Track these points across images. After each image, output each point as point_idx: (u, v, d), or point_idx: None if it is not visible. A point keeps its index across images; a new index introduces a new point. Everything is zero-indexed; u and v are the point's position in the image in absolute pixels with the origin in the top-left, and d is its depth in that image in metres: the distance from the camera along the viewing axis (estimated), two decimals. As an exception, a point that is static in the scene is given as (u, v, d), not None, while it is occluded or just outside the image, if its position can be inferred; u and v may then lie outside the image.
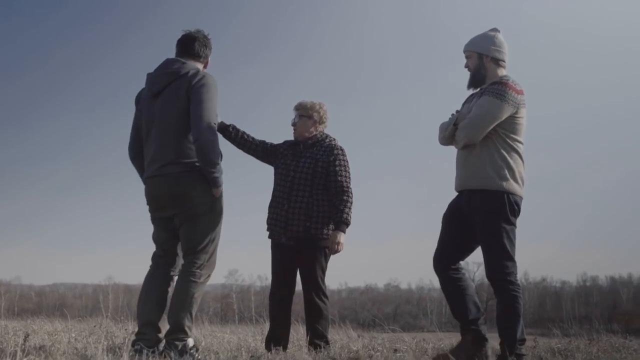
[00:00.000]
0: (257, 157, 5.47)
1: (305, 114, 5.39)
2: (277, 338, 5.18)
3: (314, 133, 5.40)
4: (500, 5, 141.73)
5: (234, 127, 5.37)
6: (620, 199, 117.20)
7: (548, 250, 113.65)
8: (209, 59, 4.95)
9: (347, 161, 5.31)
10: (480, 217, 4.56)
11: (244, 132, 5.40)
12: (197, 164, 4.51)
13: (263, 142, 5.45)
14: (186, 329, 4.49)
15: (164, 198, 4.59)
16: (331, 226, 5.21)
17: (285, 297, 5.31)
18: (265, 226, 5.35)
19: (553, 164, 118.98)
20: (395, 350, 5.35)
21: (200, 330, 7.72)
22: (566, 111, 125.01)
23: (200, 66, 4.81)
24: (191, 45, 4.81)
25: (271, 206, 5.31)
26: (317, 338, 5.18)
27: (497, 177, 4.47)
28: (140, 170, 4.85)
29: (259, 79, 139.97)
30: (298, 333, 5.84)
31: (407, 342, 6.34)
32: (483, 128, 4.49)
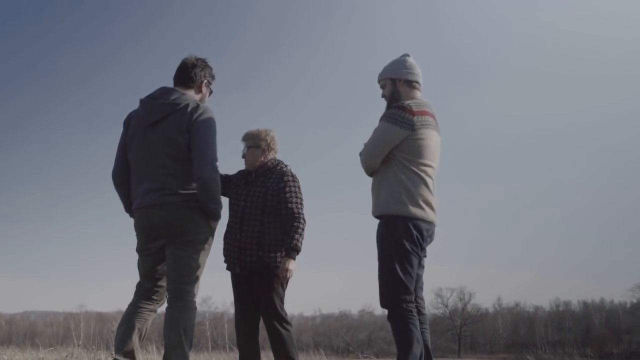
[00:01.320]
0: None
1: (253, 144, 5.35)
2: None
3: (264, 161, 5.36)
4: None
5: None
6: (592, 225, 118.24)
7: (521, 276, 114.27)
8: (210, 85, 4.84)
9: (298, 187, 5.26)
10: (377, 242, 4.50)
11: None
12: (195, 194, 4.50)
13: (226, 177, 5.45)
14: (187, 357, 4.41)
15: (161, 226, 4.50)
16: (278, 253, 5.15)
17: (250, 327, 5.27)
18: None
19: (524, 191, 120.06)
20: (371, 379, 5.34)
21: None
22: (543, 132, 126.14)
23: (197, 96, 4.73)
24: (187, 73, 4.72)
25: (225, 237, 5.28)
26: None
27: (393, 201, 4.36)
28: (125, 198, 4.77)
29: (254, 102, 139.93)
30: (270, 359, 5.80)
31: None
32: (377, 154, 4.43)
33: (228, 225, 5.27)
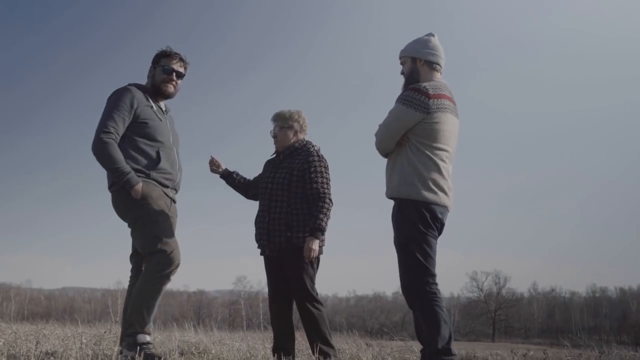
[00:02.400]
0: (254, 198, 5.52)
1: (285, 124, 5.37)
2: (283, 349, 5.19)
3: (293, 142, 5.39)
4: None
5: (237, 174, 5.56)
6: (632, 212, 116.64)
7: (557, 260, 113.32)
8: (159, 65, 4.94)
9: (324, 167, 5.29)
10: (393, 227, 4.46)
11: (245, 178, 5.59)
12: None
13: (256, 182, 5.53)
14: (135, 324, 4.50)
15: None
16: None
17: (283, 307, 5.29)
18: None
19: (565, 175, 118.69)
20: (405, 361, 5.35)
21: (209, 337, 7.73)
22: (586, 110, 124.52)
23: (147, 83, 4.96)
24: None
25: (256, 220, 5.33)
26: (322, 345, 5.16)
27: (404, 185, 4.32)
28: None
29: (256, 87, 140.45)
30: (305, 340, 5.82)
31: (416, 352, 6.33)
32: (390, 136, 4.40)
33: (258, 209, 5.33)
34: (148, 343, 4.50)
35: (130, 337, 4.44)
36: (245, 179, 5.57)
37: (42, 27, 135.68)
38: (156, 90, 4.91)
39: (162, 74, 4.88)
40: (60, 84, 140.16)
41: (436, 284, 4.30)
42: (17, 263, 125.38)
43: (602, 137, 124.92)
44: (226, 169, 5.56)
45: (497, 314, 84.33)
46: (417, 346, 7.20)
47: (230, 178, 5.54)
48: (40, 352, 4.93)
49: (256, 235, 5.28)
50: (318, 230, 5.07)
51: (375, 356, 5.37)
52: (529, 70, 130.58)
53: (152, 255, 4.55)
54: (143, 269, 4.65)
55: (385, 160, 4.60)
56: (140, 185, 4.51)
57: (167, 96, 4.95)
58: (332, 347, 5.17)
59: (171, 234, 4.65)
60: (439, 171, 4.34)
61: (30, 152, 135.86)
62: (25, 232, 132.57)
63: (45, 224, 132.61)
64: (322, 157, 5.32)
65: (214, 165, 5.57)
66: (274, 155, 5.48)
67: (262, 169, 5.54)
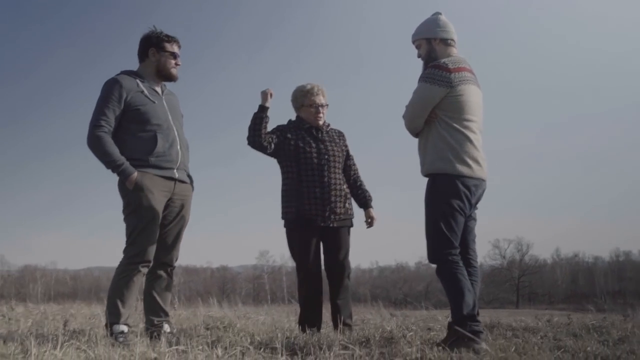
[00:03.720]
0: (268, 152, 5.29)
1: (326, 102, 5.46)
2: (312, 320, 5.20)
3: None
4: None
5: (268, 119, 5.29)
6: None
7: (580, 225, 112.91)
8: (162, 49, 4.94)
9: None
10: (425, 201, 4.51)
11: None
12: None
13: (271, 135, 5.30)
14: (111, 315, 4.57)
15: None
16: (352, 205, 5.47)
17: (319, 280, 5.28)
18: (285, 211, 5.31)
19: (587, 140, 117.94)
20: (429, 329, 5.37)
21: (234, 311, 7.79)
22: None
23: (146, 67, 4.96)
24: (137, 51, 5.02)
25: (304, 192, 5.22)
26: (348, 318, 5.27)
27: (438, 160, 4.38)
28: None
29: (261, 71, 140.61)
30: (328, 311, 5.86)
31: (440, 321, 6.36)
32: (419, 114, 4.46)
33: (304, 179, 5.24)
34: (122, 333, 4.54)
35: (106, 327, 4.53)
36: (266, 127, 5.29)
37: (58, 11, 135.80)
38: (163, 75, 4.96)
39: (171, 59, 4.94)
40: (84, 64, 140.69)
41: (458, 255, 4.37)
42: (42, 244, 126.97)
43: (621, 98, 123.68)
44: (268, 107, 5.25)
45: (520, 280, 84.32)
46: (440, 315, 7.23)
47: (265, 115, 5.21)
48: (68, 330, 4.99)
49: (309, 206, 5.19)
50: (371, 201, 5.59)
51: (399, 326, 5.38)
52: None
53: (128, 246, 4.66)
54: (121, 260, 4.71)
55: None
56: (134, 176, 4.58)
57: (173, 80, 5.02)
58: (353, 322, 5.33)
59: (148, 230, 4.68)
60: (471, 143, 4.41)
61: (54, 135, 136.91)
62: (49, 214, 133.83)
63: (70, 205, 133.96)
64: None
65: (270, 96, 5.26)
66: (302, 126, 5.41)
67: (277, 132, 5.35)
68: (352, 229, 5.42)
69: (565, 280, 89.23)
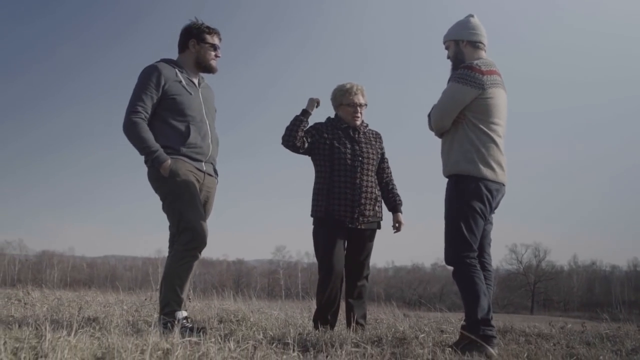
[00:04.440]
0: (302, 151, 5.32)
1: (365, 101, 5.44)
2: (327, 319, 5.23)
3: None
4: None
5: (307, 123, 5.31)
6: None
7: (598, 234, 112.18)
8: (202, 41, 4.96)
9: None
10: (446, 201, 4.50)
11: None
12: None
13: (304, 134, 5.31)
14: (172, 302, 4.59)
15: None
16: (382, 208, 5.44)
17: (340, 280, 5.26)
18: (315, 209, 5.30)
19: (603, 151, 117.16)
20: (442, 331, 5.36)
21: (248, 305, 7.80)
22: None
23: (185, 57, 4.98)
24: (179, 40, 5.04)
25: (335, 191, 5.22)
26: (361, 318, 5.30)
27: (464, 161, 4.37)
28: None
29: (262, 72, 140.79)
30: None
31: (454, 323, 6.34)
32: (448, 114, 4.44)
33: (336, 179, 5.25)
34: (187, 318, 4.61)
35: (168, 315, 4.51)
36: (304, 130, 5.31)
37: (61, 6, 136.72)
38: (203, 66, 4.99)
39: (211, 51, 4.97)
40: (93, 54, 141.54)
41: (476, 258, 4.36)
42: (61, 232, 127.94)
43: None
44: (311, 113, 5.32)
45: (536, 286, 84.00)
46: (454, 317, 7.21)
47: (306, 120, 5.27)
48: (83, 317, 5.02)
49: (339, 206, 5.20)
50: (401, 206, 5.52)
51: (412, 326, 5.39)
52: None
53: (180, 233, 4.66)
54: (175, 247, 4.71)
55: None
56: (168, 163, 4.58)
57: (213, 72, 5.05)
58: (366, 322, 5.37)
59: (197, 213, 4.69)
60: (497, 146, 4.43)
61: (72, 124, 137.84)
62: (68, 202, 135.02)
63: (88, 194, 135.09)
64: None
65: (316, 105, 5.34)
66: (340, 125, 5.41)
67: (314, 130, 5.36)
68: (378, 231, 5.43)
69: (581, 288, 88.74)
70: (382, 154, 5.52)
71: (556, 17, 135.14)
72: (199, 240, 4.65)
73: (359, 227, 5.22)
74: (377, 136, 5.53)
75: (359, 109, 5.36)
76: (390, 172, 5.57)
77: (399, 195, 5.53)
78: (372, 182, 5.29)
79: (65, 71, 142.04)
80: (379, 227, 5.41)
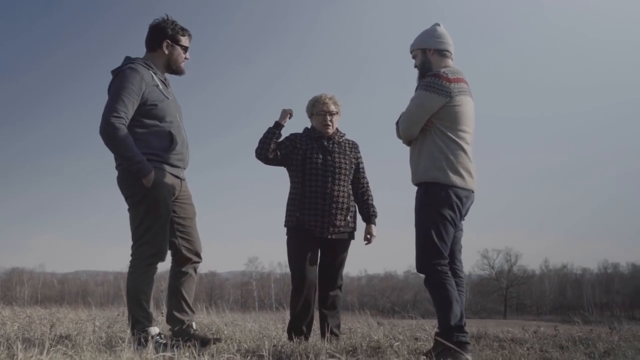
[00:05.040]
0: (275, 163, 5.35)
1: (339, 110, 5.46)
2: (301, 329, 5.21)
3: (337, 129, 5.50)
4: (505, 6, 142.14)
5: (280, 135, 5.34)
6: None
7: (568, 237, 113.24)
8: (176, 42, 4.81)
9: None
10: (415, 209, 4.51)
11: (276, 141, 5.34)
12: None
13: (278, 145, 5.33)
14: (142, 320, 4.52)
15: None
16: (356, 219, 5.44)
17: (312, 290, 5.26)
18: (287, 219, 5.33)
19: (572, 154, 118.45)
20: (416, 339, 5.38)
21: (221, 318, 7.78)
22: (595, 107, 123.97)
23: (156, 58, 4.79)
24: (147, 37, 4.84)
25: (306, 202, 5.23)
26: (336, 327, 5.29)
27: (433, 169, 4.39)
28: None
29: (258, 76, 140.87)
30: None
31: (428, 331, 6.36)
32: (416, 122, 4.46)
33: (307, 189, 5.26)
34: (160, 334, 4.54)
35: (142, 333, 4.43)
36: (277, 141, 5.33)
37: (54, 11, 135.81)
38: (173, 69, 4.85)
39: (183, 54, 4.85)
40: (66, 74, 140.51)
41: (447, 265, 4.38)
42: (30, 246, 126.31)
43: (611, 117, 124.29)
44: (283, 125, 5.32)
45: (508, 291, 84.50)
46: (428, 325, 7.24)
47: (279, 132, 5.29)
48: (55, 335, 4.97)
49: (309, 216, 5.21)
50: (375, 217, 5.48)
51: (386, 335, 5.39)
52: (530, 67, 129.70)
53: (143, 245, 4.57)
54: (133, 260, 4.62)
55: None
56: (152, 174, 4.44)
57: (181, 74, 4.92)
58: (340, 332, 5.36)
59: (164, 229, 4.63)
60: (465, 153, 4.46)
61: (41, 136, 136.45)
62: (37, 216, 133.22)
63: (57, 207, 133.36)
64: None
65: (288, 117, 5.35)
66: (313, 135, 5.42)
67: (288, 141, 5.38)
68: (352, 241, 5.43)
69: (553, 292, 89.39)
70: (358, 164, 5.49)
71: (554, 20, 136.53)
72: (161, 255, 4.62)
73: (329, 237, 5.21)
74: (353, 146, 5.52)
75: (329, 117, 5.36)
76: (366, 182, 5.54)
77: (373, 207, 5.50)
78: (344, 192, 5.28)
79: (41, 86, 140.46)
80: (351, 237, 5.39)
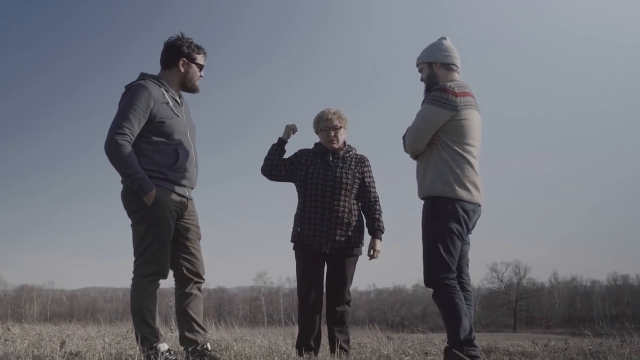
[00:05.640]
0: (280, 179, 5.47)
1: (344, 125, 5.43)
2: (307, 345, 5.21)
3: (344, 144, 5.47)
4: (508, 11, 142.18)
5: (284, 151, 5.46)
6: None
7: (578, 249, 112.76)
8: (193, 60, 4.81)
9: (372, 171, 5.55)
10: (422, 223, 4.53)
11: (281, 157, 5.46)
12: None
13: (283, 162, 5.45)
14: (149, 337, 4.53)
15: None
16: (362, 234, 5.37)
17: (318, 305, 5.26)
18: (291, 234, 5.37)
19: (580, 163, 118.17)
20: (426, 354, 5.36)
21: (230, 334, 7.77)
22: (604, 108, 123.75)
23: (171, 75, 4.79)
24: (162, 55, 4.84)
25: (306, 216, 5.27)
26: (345, 343, 5.26)
27: (440, 182, 4.41)
28: None
29: (265, 86, 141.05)
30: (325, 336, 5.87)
31: (437, 345, 6.35)
32: (422, 136, 4.48)
33: (308, 204, 5.29)
34: (169, 350, 4.54)
35: (151, 350, 4.44)
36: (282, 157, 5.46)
37: (53, 27, 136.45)
38: (188, 87, 4.85)
39: (198, 73, 4.85)
40: (70, 84, 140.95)
41: (455, 279, 4.39)
42: (39, 263, 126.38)
43: (625, 125, 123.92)
44: (287, 141, 5.45)
45: (518, 304, 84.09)
46: (437, 339, 7.22)
47: (282, 148, 5.42)
48: (65, 352, 4.98)
49: (308, 231, 5.23)
50: (381, 232, 5.36)
51: (396, 349, 5.39)
52: (529, 68, 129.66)
53: (144, 263, 4.57)
54: (134, 277, 4.62)
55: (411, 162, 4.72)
56: (153, 192, 4.44)
57: (195, 92, 4.91)
58: (349, 347, 5.30)
59: (167, 247, 4.64)
60: (472, 167, 4.47)
61: (49, 150, 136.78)
62: (45, 232, 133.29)
63: (65, 223, 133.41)
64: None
65: (292, 132, 5.46)
66: (318, 151, 5.46)
67: (294, 157, 5.48)
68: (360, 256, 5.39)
69: (563, 304, 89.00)
70: (363, 178, 5.42)
71: (548, 21, 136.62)
72: (163, 273, 4.63)
73: (327, 252, 5.21)
74: (360, 160, 5.46)
75: (332, 132, 5.36)
76: (373, 197, 5.44)
77: (379, 221, 5.39)
78: (345, 207, 5.25)
79: (43, 98, 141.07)
80: (357, 253, 5.34)
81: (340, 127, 5.39)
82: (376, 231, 5.37)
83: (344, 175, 5.30)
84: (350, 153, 5.47)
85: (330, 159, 5.37)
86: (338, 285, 5.28)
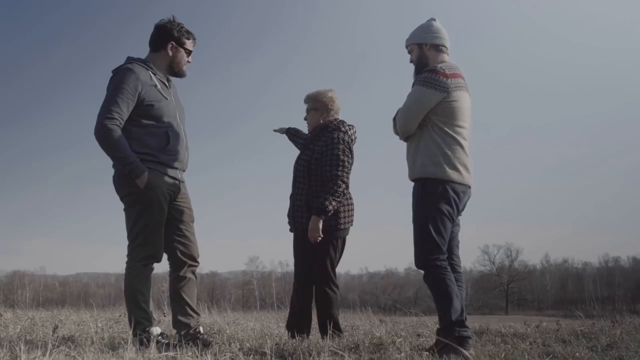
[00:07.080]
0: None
1: (312, 106, 5.38)
2: (300, 325, 5.20)
3: (322, 124, 5.35)
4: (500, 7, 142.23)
5: (297, 131, 5.78)
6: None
7: (569, 231, 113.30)
8: (181, 45, 4.77)
9: (342, 150, 5.13)
10: (413, 205, 4.52)
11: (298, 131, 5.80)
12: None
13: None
14: (143, 321, 4.53)
15: None
16: (338, 218, 5.17)
17: (307, 286, 5.27)
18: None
19: (573, 149, 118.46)
20: (419, 335, 5.38)
21: (223, 317, 7.78)
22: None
23: (159, 59, 4.76)
24: (151, 38, 4.81)
25: (290, 198, 5.39)
26: (333, 326, 5.18)
27: (430, 164, 4.39)
28: None
29: (255, 75, 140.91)
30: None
31: (430, 327, 6.37)
32: (413, 118, 4.46)
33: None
34: (162, 334, 4.56)
35: (144, 333, 4.42)
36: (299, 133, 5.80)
37: (54, 10, 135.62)
38: (175, 71, 4.82)
39: (186, 57, 4.82)
40: (56, 79, 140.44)
41: (446, 260, 4.39)
42: (31, 249, 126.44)
43: (616, 113, 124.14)
44: (287, 129, 5.83)
45: (509, 286, 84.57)
46: (430, 321, 7.24)
47: (291, 134, 5.79)
48: (58, 337, 4.97)
49: (288, 212, 5.38)
50: (320, 211, 4.99)
51: (388, 332, 5.40)
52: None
53: (138, 247, 4.57)
54: (128, 261, 4.63)
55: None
56: (145, 175, 4.42)
57: (182, 77, 4.89)
58: (340, 331, 5.23)
59: (161, 230, 4.63)
60: (462, 149, 4.46)
61: (40, 138, 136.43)
62: (37, 219, 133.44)
63: (57, 209, 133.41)
64: (344, 140, 5.18)
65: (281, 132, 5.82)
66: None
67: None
68: (347, 237, 5.31)
69: (554, 286, 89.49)
70: (329, 156, 5.11)
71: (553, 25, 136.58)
72: (157, 257, 4.63)
73: (294, 232, 5.29)
74: (330, 140, 5.16)
75: (307, 114, 5.44)
76: (332, 175, 5.05)
77: (321, 198, 5.01)
78: (303, 189, 5.22)
79: (38, 86, 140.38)
80: (332, 236, 5.14)
81: (311, 108, 5.38)
82: (314, 209, 5.05)
83: (305, 157, 5.30)
84: (327, 132, 5.29)
85: (309, 141, 5.44)
86: (317, 268, 5.19)
